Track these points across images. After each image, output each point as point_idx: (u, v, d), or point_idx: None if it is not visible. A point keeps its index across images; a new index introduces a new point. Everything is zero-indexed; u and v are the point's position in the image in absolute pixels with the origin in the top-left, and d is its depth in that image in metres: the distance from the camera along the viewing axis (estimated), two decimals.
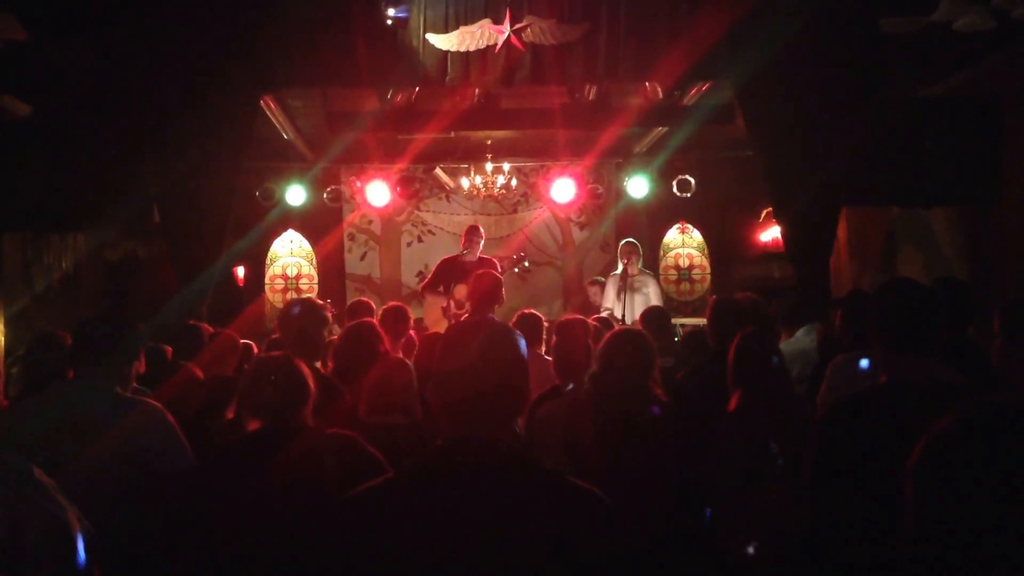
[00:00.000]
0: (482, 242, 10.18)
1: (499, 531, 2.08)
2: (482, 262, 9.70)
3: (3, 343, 8.81)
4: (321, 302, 5.53)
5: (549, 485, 2.19)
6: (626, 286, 10.41)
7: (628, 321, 9.89)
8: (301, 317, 5.23)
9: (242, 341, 6.59)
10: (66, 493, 2.36)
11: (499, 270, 9.09)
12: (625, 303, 10.35)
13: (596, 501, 2.19)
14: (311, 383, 3.62)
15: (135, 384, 4.39)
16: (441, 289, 9.85)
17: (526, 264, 10.94)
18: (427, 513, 2.12)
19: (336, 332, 6.23)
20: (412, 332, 7.27)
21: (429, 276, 10.37)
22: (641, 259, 10.83)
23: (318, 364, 5.18)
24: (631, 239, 10.97)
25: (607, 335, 4.77)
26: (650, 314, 7.59)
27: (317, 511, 2.63)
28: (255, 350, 6.65)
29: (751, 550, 4.36)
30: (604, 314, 10.09)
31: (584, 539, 2.10)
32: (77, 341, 4.20)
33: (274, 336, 6.32)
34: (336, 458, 3.38)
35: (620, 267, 10.78)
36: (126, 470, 3.83)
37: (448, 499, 2.12)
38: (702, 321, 6.19)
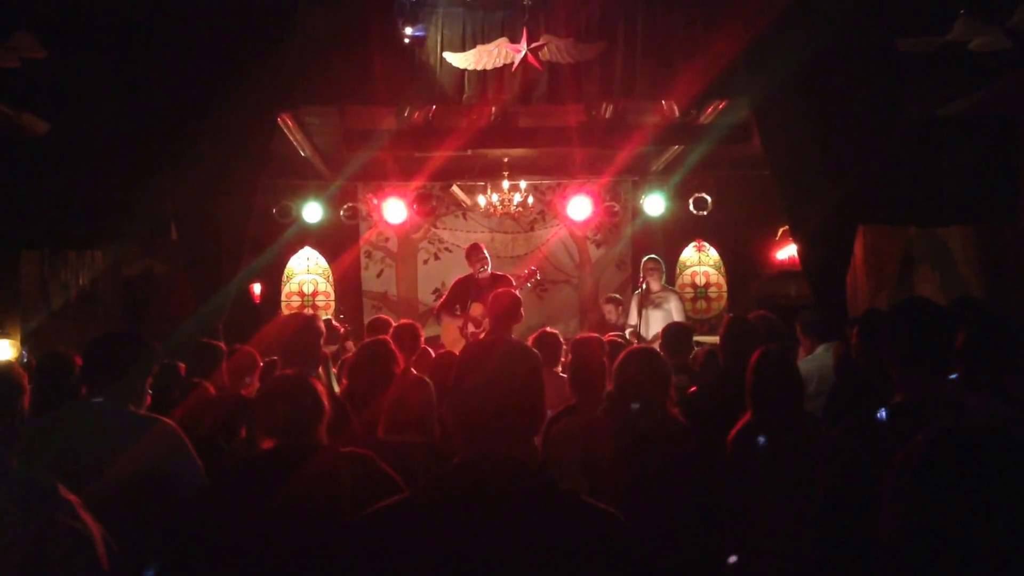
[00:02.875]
0: (487, 256, 9.91)
1: (516, 551, 2.07)
2: (496, 279, 9.63)
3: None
4: (309, 314, 5.51)
5: (566, 505, 2.18)
6: (647, 302, 10.36)
7: (648, 338, 9.85)
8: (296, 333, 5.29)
9: (271, 358, 6.54)
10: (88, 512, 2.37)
11: (514, 286, 9.04)
12: (644, 320, 10.30)
13: (614, 522, 2.18)
14: (326, 401, 3.61)
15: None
16: (457, 309, 9.78)
17: (538, 277, 10.87)
18: (443, 532, 2.11)
19: (352, 348, 6.20)
20: (426, 347, 7.22)
21: (444, 297, 10.28)
22: (664, 275, 10.76)
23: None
24: (653, 255, 10.86)
25: (622, 354, 4.76)
26: (669, 331, 7.42)
27: (332, 530, 2.62)
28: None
29: (732, 560, 4.36)
30: (627, 331, 10.07)
31: (602, 560, 2.09)
32: (91, 359, 4.17)
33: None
34: (351, 477, 3.37)
35: (643, 284, 10.68)
36: (140, 489, 3.82)
37: (464, 518, 2.11)
38: (718, 339, 6.13)
